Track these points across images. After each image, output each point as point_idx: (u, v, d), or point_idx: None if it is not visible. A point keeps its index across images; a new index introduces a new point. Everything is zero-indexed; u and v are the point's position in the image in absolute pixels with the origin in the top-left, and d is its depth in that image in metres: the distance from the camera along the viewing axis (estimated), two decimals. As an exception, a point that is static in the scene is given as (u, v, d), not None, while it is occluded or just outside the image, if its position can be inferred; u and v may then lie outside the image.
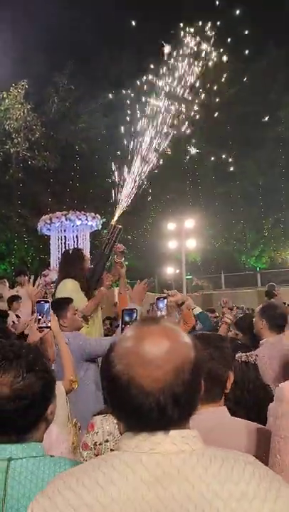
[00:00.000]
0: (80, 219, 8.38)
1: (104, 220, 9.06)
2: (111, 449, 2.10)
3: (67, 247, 8.22)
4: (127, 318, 2.68)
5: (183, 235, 17.97)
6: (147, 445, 0.95)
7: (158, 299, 3.15)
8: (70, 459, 1.43)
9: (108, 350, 1.03)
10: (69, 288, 4.13)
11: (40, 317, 2.71)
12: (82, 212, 8.57)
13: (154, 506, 0.90)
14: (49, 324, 2.68)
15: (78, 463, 1.34)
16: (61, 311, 3.15)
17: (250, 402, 2.18)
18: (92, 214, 8.58)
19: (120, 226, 4.87)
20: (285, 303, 5.38)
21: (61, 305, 3.23)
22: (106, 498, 0.90)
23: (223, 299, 4.70)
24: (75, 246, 8.27)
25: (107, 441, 2.10)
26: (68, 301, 3.37)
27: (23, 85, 20.04)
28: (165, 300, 3.14)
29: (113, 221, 5.07)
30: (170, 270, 23.61)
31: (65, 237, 8.71)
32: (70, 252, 4.61)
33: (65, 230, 8.70)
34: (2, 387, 1.31)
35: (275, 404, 1.67)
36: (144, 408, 0.94)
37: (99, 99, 22.24)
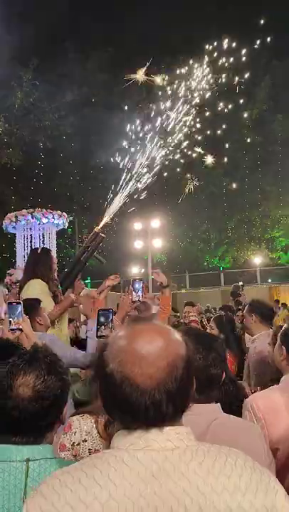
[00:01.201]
0: (46, 217, 8.21)
1: (71, 218, 8.98)
2: (89, 449, 2.09)
3: (33, 246, 8.07)
4: (102, 319, 2.67)
5: (149, 235, 18.06)
6: (142, 442, 0.96)
7: (134, 280, 3.22)
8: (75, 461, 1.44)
9: (101, 350, 1.03)
10: (37, 290, 4.04)
11: (11, 319, 2.65)
12: (49, 210, 8.45)
13: (152, 502, 0.90)
14: (20, 326, 2.63)
15: None
16: (36, 310, 3.09)
17: (221, 396, 2.23)
18: (59, 212, 8.44)
19: (103, 235, 4.83)
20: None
21: (34, 304, 3.18)
22: (104, 494, 0.90)
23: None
24: (41, 244, 8.15)
25: (85, 440, 2.09)
26: (39, 300, 3.32)
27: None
28: (141, 282, 3.22)
29: (97, 228, 5.00)
30: (135, 270, 23.67)
31: (31, 235, 8.53)
32: (39, 251, 4.51)
33: (30, 229, 8.50)
34: (24, 388, 1.33)
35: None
36: (139, 405, 0.95)
37: (65, 97, 21.99)
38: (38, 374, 1.36)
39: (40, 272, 4.21)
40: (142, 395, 0.94)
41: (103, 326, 2.67)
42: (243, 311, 5.78)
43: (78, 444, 2.06)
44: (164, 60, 21.36)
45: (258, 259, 26.27)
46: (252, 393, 2.52)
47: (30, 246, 8.14)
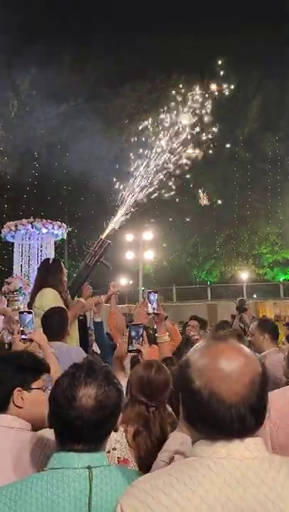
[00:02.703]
0: (46, 227, 8.31)
1: (70, 229, 9.05)
2: (118, 457, 2.15)
3: (31, 255, 8.15)
4: (133, 333, 2.73)
5: (141, 247, 18.14)
6: (225, 451, 1.05)
7: (149, 292, 3.27)
8: (132, 470, 1.50)
9: (182, 367, 1.13)
10: (51, 298, 4.08)
11: (22, 328, 2.69)
12: (49, 220, 8.52)
13: (239, 506, 1.00)
14: (29, 336, 2.64)
15: (139, 472, 1.42)
16: (66, 320, 3.14)
17: None
18: (59, 223, 8.55)
19: (109, 241, 4.93)
20: (253, 316, 5.63)
21: (65, 316, 3.22)
22: (196, 498, 0.99)
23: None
24: (40, 254, 8.22)
25: (114, 449, 2.15)
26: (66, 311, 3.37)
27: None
28: (156, 294, 3.26)
29: (103, 235, 5.11)
30: (124, 281, 23.67)
31: (29, 245, 8.59)
32: (51, 261, 4.56)
33: (29, 238, 8.59)
34: (87, 399, 1.39)
35: None
36: (225, 419, 1.04)
37: (61, 107, 22.11)
38: (98, 385, 1.41)
39: (52, 281, 4.24)
40: (228, 409, 1.04)
41: (134, 340, 2.73)
42: (244, 326, 5.91)
43: (108, 452, 2.11)
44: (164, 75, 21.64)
45: (244, 275, 26.54)
46: None
47: (29, 255, 8.23)
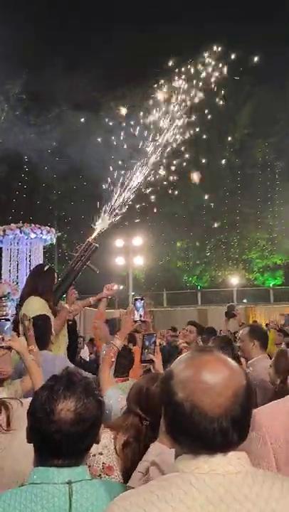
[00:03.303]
0: (34, 232, 8.26)
1: (59, 234, 9.01)
2: (103, 463, 2.10)
3: (19, 261, 8.09)
4: (146, 343, 2.71)
5: (130, 252, 18.14)
6: (208, 466, 1.03)
7: (136, 299, 3.25)
8: (115, 482, 1.47)
9: (166, 378, 1.10)
10: (37, 307, 4.00)
11: (1, 336, 2.64)
12: (38, 225, 8.46)
13: None
14: (8, 344, 2.59)
15: (123, 485, 1.38)
16: (48, 328, 3.10)
17: None
18: (48, 228, 8.50)
19: (97, 245, 4.88)
20: (243, 323, 5.63)
21: (47, 323, 3.18)
22: None
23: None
24: (28, 259, 8.16)
25: (101, 453, 2.11)
26: (48, 318, 3.33)
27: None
28: (142, 300, 3.24)
29: (90, 238, 5.04)
30: (114, 287, 23.62)
31: (18, 250, 8.52)
32: (45, 268, 4.49)
33: (18, 243, 8.52)
34: (66, 412, 1.36)
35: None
36: (207, 433, 1.02)
37: (51, 112, 22.12)
38: (78, 397, 1.39)
39: (41, 289, 4.18)
40: (210, 423, 1.01)
41: (147, 350, 2.70)
42: (231, 332, 5.91)
43: (94, 455, 2.09)
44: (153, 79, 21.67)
45: (234, 280, 26.63)
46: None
47: (17, 260, 8.16)
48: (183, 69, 19.79)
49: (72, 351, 4.53)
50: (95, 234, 5.31)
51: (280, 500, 1.01)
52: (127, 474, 2.04)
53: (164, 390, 1.09)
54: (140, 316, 3.20)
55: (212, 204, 26.76)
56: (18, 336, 3.37)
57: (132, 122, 18.47)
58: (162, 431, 1.74)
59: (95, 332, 4.69)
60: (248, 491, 1.01)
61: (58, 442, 1.36)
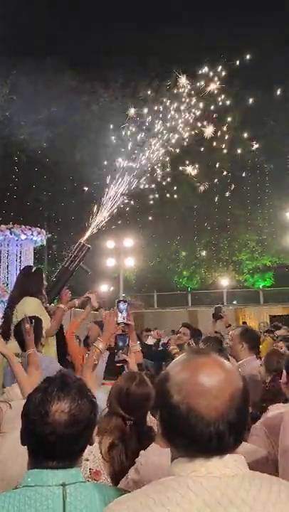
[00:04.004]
0: (25, 233, 8.21)
1: (49, 235, 8.98)
2: (90, 469, 2.09)
3: (9, 262, 8.05)
4: (120, 344, 2.70)
5: (121, 253, 18.14)
6: (204, 469, 1.02)
7: (119, 301, 3.25)
8: (110, 486, 1.46)
9: (161, 381, 1.09)
10: (34, 307, 3.99)
11: None
12: (28, 226, 8.42)
13: None
14: None
15: (118, 489, 1.38)
16: (40, 330, 3.09)
17: None
18: (38, 229, 8.47)
19: (89, 246, 4.89)
20: (230, 324, 5.64)
21: (39, 324, 3.16)
22: None
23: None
24: (19, 261, 8.12)
25: (87, 459, 2.09)
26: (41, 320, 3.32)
27: None
28: (126, 303, 3.24)
29: (83, 239, 5.05)
30: (104, 288, 23.59)
31: (8, 251, 8.48)
32: (33, 269, 4.48)
33: (8, 244, 8.47)
34: (60, 414, 1.35)
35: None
36: (203, 436, 1.01)
37: (42, 112, 22.00)
38: (72, 398, 1.38)
39: (33, 289, 4.18)
40: (207, 426, 1.00)
41: (121, 351, 2.70)
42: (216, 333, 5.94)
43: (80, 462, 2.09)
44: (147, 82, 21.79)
45: (225, 281, 26.73)
46: None
47: (7, 261, 8.12)
48: (180, 76, 19.92)
49: (62, 352, 4.52)
50: (87, 235, 5.32)
51: (277, 504, 1.00)
52: (115, 477, 2.03)
53: (159, 393, 1.08)
54: (123, 318, 3.19)
55: (202, 206, 26.87)
56: (8, 339, 3.37)
57: (126, 124, 18.52)
58: (159, 433, 1.74)
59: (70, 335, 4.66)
60: (245, 494, 0.99)
61: (52, 444, 1.35)
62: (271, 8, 24.23)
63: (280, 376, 2.45)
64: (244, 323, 17.54)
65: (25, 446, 1.41)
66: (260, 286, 27.31)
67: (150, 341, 9.74)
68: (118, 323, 3.22)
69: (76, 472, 1.38)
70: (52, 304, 4.63)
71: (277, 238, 26.26)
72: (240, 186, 27.10)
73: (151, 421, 2.35)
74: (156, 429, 2.29)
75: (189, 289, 28.01)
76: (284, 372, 2.26)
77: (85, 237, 5.16)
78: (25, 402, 1.43)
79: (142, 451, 1.95)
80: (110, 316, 3.09)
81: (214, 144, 24.89)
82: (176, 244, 28.38)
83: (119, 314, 3.17)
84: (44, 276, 4.48)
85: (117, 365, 2.91)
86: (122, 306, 3.19)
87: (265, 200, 27.46)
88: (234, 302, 25.39)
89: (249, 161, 27.60)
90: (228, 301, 25.17)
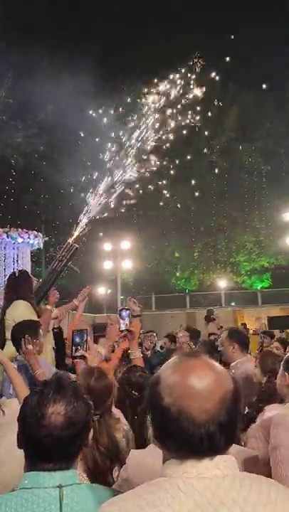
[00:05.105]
0: (21, 237, 8.20)
1: (46, 238, 8.99)
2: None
3: (6, 265, 8.05)
4: (77, 339, 2.72)
5: (119, 256, 18.15)
6: (195, 471, 1.03)
7: (121, 309, 3.29)
8: (104, 487, 1.48)
9: (153, 383, 1.10)
10: (23, 311, 3.99)
11: None
12: (25, 230, 8.42)
13: None
14: None
15: (113, 491, 1.39)
16: (37, 334, 3.09)
17: None
18: (35, 232, 8.46)
19: (77, 246, 4.89)
20: (221, 326, 5.64)
21: (36, 328, 3.17)
22: None
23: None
24: (15, 264, 8.12)
25: None
26: (38, 323, 3.32)
27: None
28: (128, 311, 3.28)
29: (71, 239, 5.05)
30: (102, 290, 23.58)
31: (4, 254, 8.47)
32: (17, 273, 4.47)
33: (5, 247, 8.46)
34: (56, 416, 1.36)
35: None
36: (194, 438, 1.02)
37: (38, 115, 22.01)
38: (68, 401, 1.40)
39: (23, 293, 4.19)
40: (198, 427, 1.01)
41: (79, 347, 2.72)
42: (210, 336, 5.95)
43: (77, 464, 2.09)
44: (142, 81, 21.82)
45: (222, 283, 26.75)
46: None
47: (4, 265, 8.12)
48: (178, 75, 19.94)
49: (60, 358, 4.53)
50: (75, 235, 5.32)
51: (267, 505, 1.01)
52: (91, 474, 2.00)
53: (151, 395, 1.09)
54: (126, 325, 3.25)
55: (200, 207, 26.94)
56: (4, 345, 3.37)
57: (121, 124, 18.54)
58: (153, 437, 1.75)
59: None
60: (236, 495, 1.01)
61: (49, 446, 1.36)
62: (271, 8, 24.31)
63: (275, 377, 2.46)
64: (243, 324, 17.56)
65: (22, 449, 1.41)
66: (258, 288, 27.33)
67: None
68: (121, 331, 3.27)
69: (73, 474, 1.39)
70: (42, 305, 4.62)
71: (274, 239, 26.30)
72: (237, 187, 27.15)
73: (118, 413, 2.37)
74: (123, 421, 2.31)
75: (187, 290, 28.01)
76: (283, 373, 2.26)
77: (74, 237, 5.15)
78: (22, 405, 1.44)
79: (132, 450, 1.96)
80: (113, 324, 3.13)
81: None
82: (173, 246, 28.41)
83: (121, 321, 3.24)
84: (30, 275, 4.47)
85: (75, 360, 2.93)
86: (124, 313, 3.24)
87: (262, 201, 27.50)
88: (232, 304, 25.41)
89: (246, 162, 27.69)
90: (226, 303, 25.20)
